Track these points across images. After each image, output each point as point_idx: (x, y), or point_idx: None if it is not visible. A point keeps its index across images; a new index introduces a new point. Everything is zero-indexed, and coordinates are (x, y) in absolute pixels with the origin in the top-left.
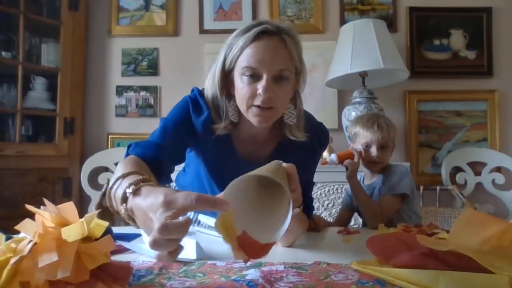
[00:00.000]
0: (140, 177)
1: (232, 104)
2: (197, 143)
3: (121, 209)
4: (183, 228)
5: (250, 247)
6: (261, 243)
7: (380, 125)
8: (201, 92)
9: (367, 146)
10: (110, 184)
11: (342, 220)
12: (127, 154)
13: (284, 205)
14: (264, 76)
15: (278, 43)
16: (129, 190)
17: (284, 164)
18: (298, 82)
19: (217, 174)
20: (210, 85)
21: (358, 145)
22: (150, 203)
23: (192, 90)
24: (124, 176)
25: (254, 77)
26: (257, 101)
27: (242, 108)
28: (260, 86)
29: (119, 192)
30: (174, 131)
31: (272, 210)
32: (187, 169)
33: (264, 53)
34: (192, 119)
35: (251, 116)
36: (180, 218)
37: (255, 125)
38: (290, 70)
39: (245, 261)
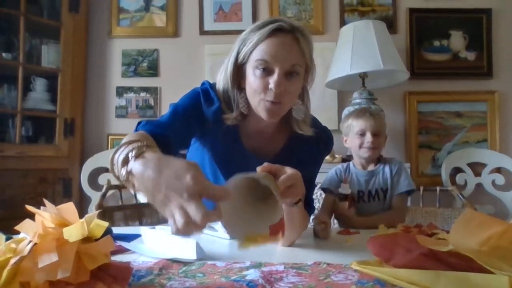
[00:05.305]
0: (145, 143)
1: (242, 97)
2: (205, 132)
3: (122, 171)
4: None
5: (280, 227)
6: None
7: (371, 113)
8: (212, 85)
9: (361, 134)
10: (114, 151)
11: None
12: (136, 130)
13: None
14: (276, 71)
15: (292, 40)
16: (131, 154)
17: (258, 169)
18: (307, 79)
19: (223, 165)
20: (222, 78)
21: (353, 137)
22: (168, 179)
23: (203, 83)
24: (128, 143)
25: (266, 71)
26: (268, 96)
27: (253, 101)
28: (272, 80)
29: (122, 156)
30: (184, 116)
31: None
32: None
33: (277, 48)
34: (203, 109)
35: (261, 110)
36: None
37: (264, 119)
38: (301, 65)
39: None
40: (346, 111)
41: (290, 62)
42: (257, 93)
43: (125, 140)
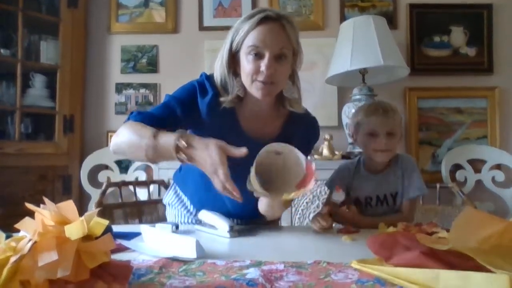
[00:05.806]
0: (180, 133)
1: (238, 81)
2: (201, 125)
3: (181, 156)
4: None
5: (306, 181)
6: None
7: (385, 109)
8: (208, 76)
9: (372, 135)
10: (144, 142)
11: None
12: (128, 120)
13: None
14: (267, 55)
15: (279, 27)
16: (181, 143)
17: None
18: (295, 62)
19: None
20: (218, 66)
21: (363, 137)
22: (210, 154)
23: (200, 75)
24: (155, 134)
25: (258, 56)
26: (260, 77)
27: (247, 83)
28: (263, 64)
29: (169, 144)
30: (176, 108)
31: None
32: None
33: (266, 35)
34: (198, 101)
35: (255, 90)
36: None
37: (259, 99)
38: (288, 49)
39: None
40: (346, 107)
41: (278, 46)
42: (251, 75)
43: (134, 130)
